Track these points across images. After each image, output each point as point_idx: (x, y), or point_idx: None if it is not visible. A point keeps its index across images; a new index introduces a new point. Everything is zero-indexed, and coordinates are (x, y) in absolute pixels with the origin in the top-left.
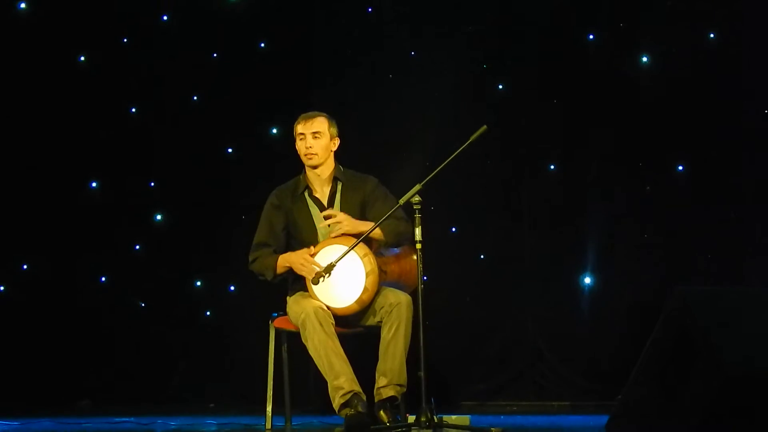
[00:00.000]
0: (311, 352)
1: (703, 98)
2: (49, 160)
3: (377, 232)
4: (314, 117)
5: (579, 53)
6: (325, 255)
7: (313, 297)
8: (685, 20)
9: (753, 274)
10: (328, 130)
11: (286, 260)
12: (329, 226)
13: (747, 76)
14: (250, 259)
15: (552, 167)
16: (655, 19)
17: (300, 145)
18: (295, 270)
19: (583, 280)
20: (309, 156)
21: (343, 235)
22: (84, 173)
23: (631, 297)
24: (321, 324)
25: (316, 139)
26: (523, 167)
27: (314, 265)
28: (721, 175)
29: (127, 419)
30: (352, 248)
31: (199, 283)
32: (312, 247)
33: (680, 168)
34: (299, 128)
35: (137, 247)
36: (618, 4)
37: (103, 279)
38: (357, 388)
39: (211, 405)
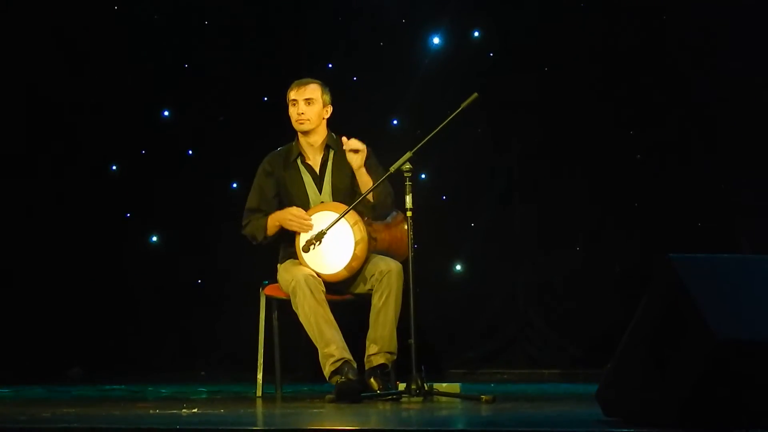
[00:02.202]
0: (302, 320)
1: (692, 68)
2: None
3: (369, 197)
4: (307, 83)
5: (572, 22)
6: (316, 221)
7: (304, 264)
8: None
9: (742, 239)
10: (321, 97)
11: (276, 218)
12: (350, 153)
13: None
14: (243, 224)
15: (541, 137)
16: None
17: (292, 111)
18: (286, 226)
19: (573, 248)
20: (301, 122)
21: (334, 201)
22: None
23: (622, 264)
24: (312, 291)
25: (309, 106)
26: (512, 137)
27: (305, 219)
28: (707, 141)
29: (118, 386)
30: (343, 216)
31: (189, 253)
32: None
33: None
34: (292, 94)
35: (128, 215)
36: None
37: (93, 249)
38: (348, 355)
39: (202, 373)
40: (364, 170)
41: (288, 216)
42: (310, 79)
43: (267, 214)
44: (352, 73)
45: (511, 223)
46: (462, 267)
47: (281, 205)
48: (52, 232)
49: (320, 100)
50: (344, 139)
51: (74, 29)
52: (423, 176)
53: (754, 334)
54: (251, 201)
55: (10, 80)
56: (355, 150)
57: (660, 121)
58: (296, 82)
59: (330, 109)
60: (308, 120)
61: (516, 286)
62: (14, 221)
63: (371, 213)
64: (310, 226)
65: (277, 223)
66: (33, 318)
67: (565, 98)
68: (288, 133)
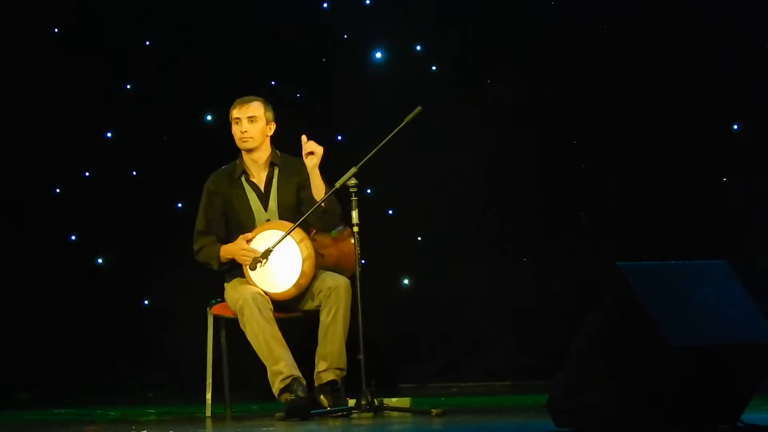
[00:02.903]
0: (250, 338)
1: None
2: None
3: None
4: (250, 101)
5: (509, 30)
6: (262, 240)
7: (251, 283)
8: None
9: (693, 248)
10: (264, 114)
11: (227, 252)
12: (306, 155)
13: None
14: (195, 248)
15: (488, 147)
16: None
17: (235, 130)
18: (237, 260)
19: (522, 259)
20: (244, 140)
21: (279, 220)
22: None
23: (573, 275)
24: (259, 309)
25: (252, 123)
26: (459, 148)
27: (254, 254)
28: (660, 151)
29: (66, 410)
30: (288, 233)
31: (135, 272)
32: (248, 234)
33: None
34: (235, 113)
35: (72, 237)
36: None
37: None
38: (296, 372)
39: (150, 394)
40: (317, 172)
41: (240, 252)
42: (252, 97)
43: (216, 234)
44: (295, 90)
45: (460, 235)
46: (410, 281)
47: (227, 223)
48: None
49: (263, 118)
50: (303, 137)
51: (15, 49)
52: (369, 191)
53: (703, 339)
54: (199, 222)
55: None
56: (311, 152)
57: (602, 131)
58: (239, 100)
59: (273, 126)
60: (252, 138)
61: (465, 298)
62: None
63: (320, 222)
64: (251, 254)
65: (228, 256)
66: None
67: (511, 109)
68: (232, 151)
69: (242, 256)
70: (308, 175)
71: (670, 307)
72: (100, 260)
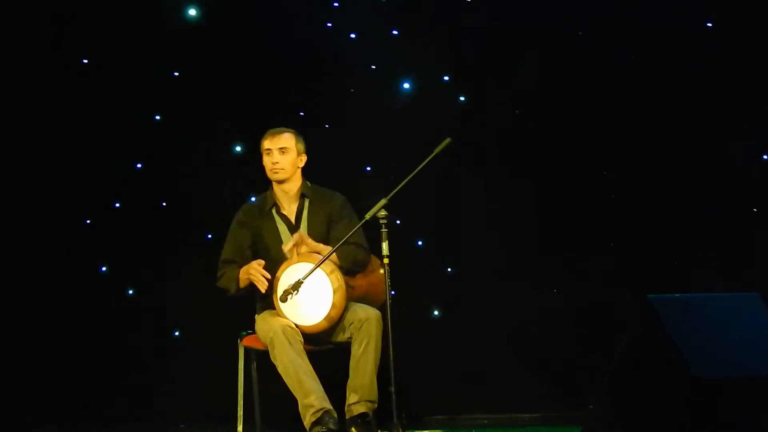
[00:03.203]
0: (280, 371)
1: (666, 103)
2: None
3: (334, 257)
4: (281, 133)
5: (541, 63)
6: (292, 273)
7: (281, 315)
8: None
9: (716, 280)
10: (295, 146)
11: (244, 272)
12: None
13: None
14: (217, 275)
15: (514, 179)
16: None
17: (266, 161)
18: (251, 279)
19: (550, 290)
20: (275, 171)
21: (309, 252)
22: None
23: (599, 306)
24: (290, 342)
25: (283, 155)
26: (486, 179)
27: (263, 274)
28: (680, 181)
29: None
30: (319, 265)
31: (165, 302)
32: (261, 261)
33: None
34: (266, 144)
35: (103, 269)
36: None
37: (65, 300)
38: (328, 405)
39: (182, 426)
40: (320, 246)
41: (247, 269)
42: (284, 129)
43: (240, 264)
44: (324, 121)
45: (488, 265)
46: (440, 312)
47: (256, 256)
48: (26, 287)
49: (294, 149)
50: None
51: (45, 80)
52: (398, 221)
53: (730, 372)
54: (226, 252)
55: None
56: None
57: (635, 161)
58: (270, 131)
59: (304, 157)
60: (283, 169)
61: (493, 328)
62: None
63: (345, 274)
64: (264, 283)
65: (246, 276)
66: (7, 374)
67: (540, 139)
68: (263, 183)
69: (254, 273)
70: (338, 207)
71: (699, 339)
72: (130, 291)
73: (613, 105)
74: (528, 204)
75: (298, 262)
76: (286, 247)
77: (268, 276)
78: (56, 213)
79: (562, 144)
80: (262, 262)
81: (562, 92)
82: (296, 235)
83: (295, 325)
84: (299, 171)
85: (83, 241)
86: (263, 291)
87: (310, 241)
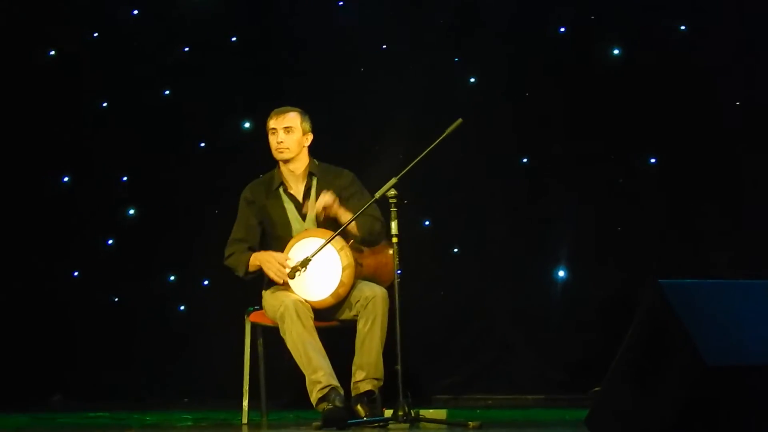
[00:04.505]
0: (289, 346)
1: (675, 90)
2: (20, 154)
3: (352, 227)
4: (286, 112)
5: (550, 46)
6: (301, 248)
7: (290, 291)
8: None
9: (724, 267)
10: (301, 125)
11: (257, 259)
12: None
13: (717, 67)
14: (226, 254)
15: (525, 161)
16: (626, 11)
17: (272, 140)
18: (264, 270)
19: (556, 273)
20: (280, 150)
21: (318, 228)
22: (56, 168)
23: (604, 290)
24: (300, 317)
25: (288, 134)
26: (496, 161)
27: (282, 267)
28: (692, 168)
29: (102, 414)
30: (329, 242)
31: (172, 278)
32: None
33: (652, 161)
34: (271, 123)
35: (110, 242)
36: None
37: (75, 274)
38: (335, 382)
39: (186, 399)
40: (342, 210)
41: (268, 258)
42: (289, 107)
43: (251, 244)
44: (334, 100)
45: (495, 247)
46: (446, 291)
47: (264, 235)
48: (32, 259)
49: (300, 128)
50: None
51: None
52: (405, 201)
53: (742, 359)
54: (236, 231)
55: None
56: (325, 206)
57: (641, 146)
58: (275, 110)
59: (310, 136)
60: (288, 149)
61: (498, 310)
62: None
63: (361, 244)
64: (285, 275)
65: (258, 264)
66: (12, 345)
67: (548, 121)
68: (270, 160)
69: (275, 268)
70: (348, 183)
71: (709, 325)
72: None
73: (625, 83)
74: (537, 185)
75: (307, 237)
76: (318, 206)
77: (286, 266)
78: (70, 185)
79: (573, 125)
80: (288, 257)
81: (572, 75)
82: (328, 195)
83: (304, 300)
84: (305, 150)
85: (91, 212)
86: (280, 283)
87: (338, 204)
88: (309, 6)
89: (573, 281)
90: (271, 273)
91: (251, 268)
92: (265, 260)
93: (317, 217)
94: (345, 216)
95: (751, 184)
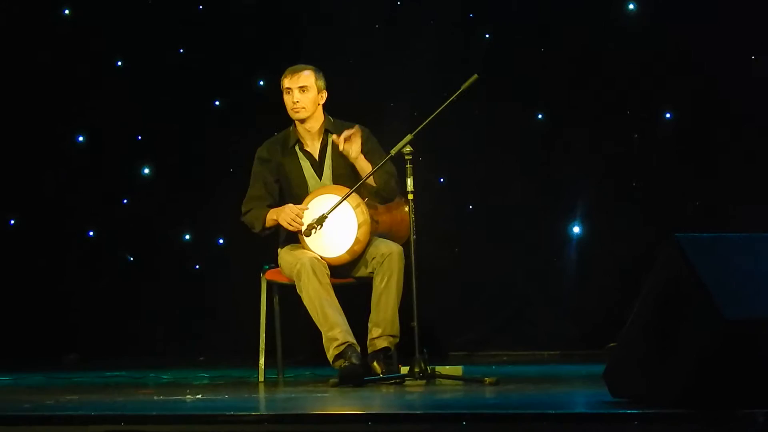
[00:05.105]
0: (306, 303)
1: (690, 45)
2: (34, 112)
3: (369, 179)
4: (300, 70)
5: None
6: (317, 205)
7: (306, 248)
8: None
9: (741, 222)
10: (315, 83)
11: (275, 214)
12: (344, 140)
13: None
14: (243, 210)
15: (540, 116)
16: None
17: (287, 99)
18: (283, 225)
19: (571, 229)
20: (296, 110)
21: (334, 185)
22: (71, 127)
23: (620, 245)
24: (316, 274)
25: (303, 93)
26: (511, 117)
27: (300, 225)
28: (708, 124)
29: (118, 373)
30: (345, 198)
31: (187, 237)
32: (305, 205)
33: (668, 116)
34: (285, 82)
35: (125, 201)
36: None
37: (91, 233)
38: (351, 339)
39: (201, 358)
40: (362, 158)
41: (289, 217)
42: (303, 66)
43: (270, 201)
44: (347, 57)
45: (510, 203)
46: (461, 249)
47: (281, 192)
48: (47, 217)
49: (315, 87)
50: (334, 137)
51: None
52: (420, 158)
53: (760, 312)
54: (253, 189)
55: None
56: (347, 138)
57: (656, 101)
58: (289, 69)
59: (325, 94)
60: (303, 108)
61: (513, 267)
62: (11, 208)
63: (376, 199)
64: (298, 225)
65: (275, 218)
66: (26, 304)
67: (564, 77)
68: (285, 118)
69: (291, 221)
70: (364, 139)
71: (726, 279)
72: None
73: (641, 37)
74: (553, 142)
75: (323, 194)
76: (340, 138)
77: (302, 224)
78: (85, 145)
79: (588, 80)
80: (303, 208)
81: (587, 30)
82: (355, 129)
83: (320, 257)
84: (320, 108)
85: (106, 171)
86: (293, 231)
87: (358, 143)
88: None
89: (588, 237)
90: (285, 222)
91: (268, 224)
92: (280, 210)
93: (334, 172)
94: (364, 167)
95: None
